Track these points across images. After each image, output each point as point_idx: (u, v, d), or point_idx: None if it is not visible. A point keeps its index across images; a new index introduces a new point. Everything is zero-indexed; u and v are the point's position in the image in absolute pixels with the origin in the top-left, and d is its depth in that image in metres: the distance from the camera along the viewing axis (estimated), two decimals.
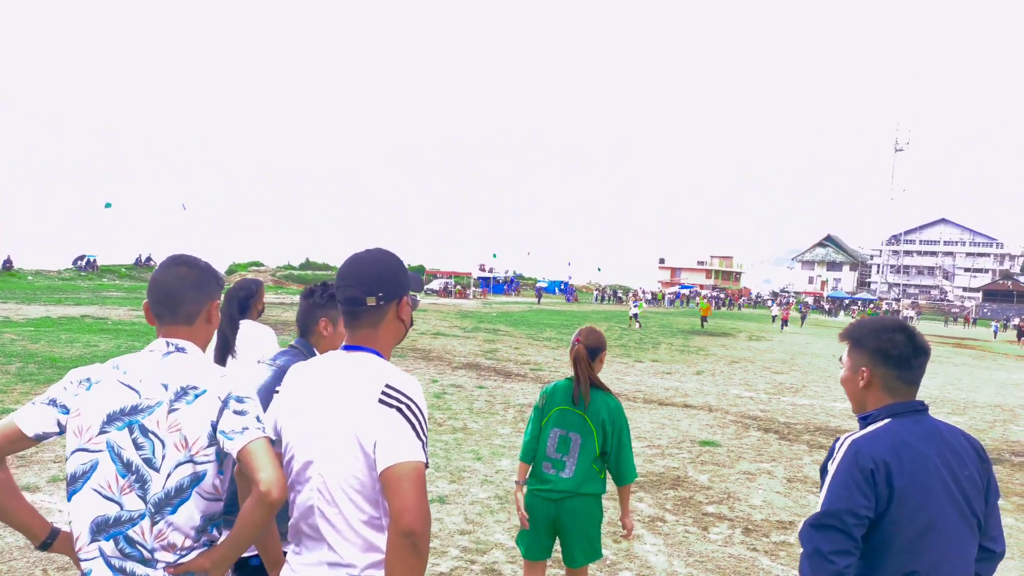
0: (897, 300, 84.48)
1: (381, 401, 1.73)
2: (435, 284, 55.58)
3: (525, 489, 3.49)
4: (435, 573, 4.49)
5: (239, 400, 1.84)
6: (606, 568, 4.72)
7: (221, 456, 1.84)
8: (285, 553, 1.93)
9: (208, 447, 1.82)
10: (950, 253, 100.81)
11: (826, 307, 78.00)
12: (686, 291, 77.08)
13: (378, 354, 1.88)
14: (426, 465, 1.74)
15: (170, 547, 1.80)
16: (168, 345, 1.92)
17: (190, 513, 1.81)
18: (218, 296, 2.05)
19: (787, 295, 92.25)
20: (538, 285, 59.88)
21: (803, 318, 44.21)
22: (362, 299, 1.86)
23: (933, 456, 1.84)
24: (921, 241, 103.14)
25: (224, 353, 3.50)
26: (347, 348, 1.89)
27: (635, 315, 31.00)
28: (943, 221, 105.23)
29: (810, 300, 61.91)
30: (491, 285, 63.16)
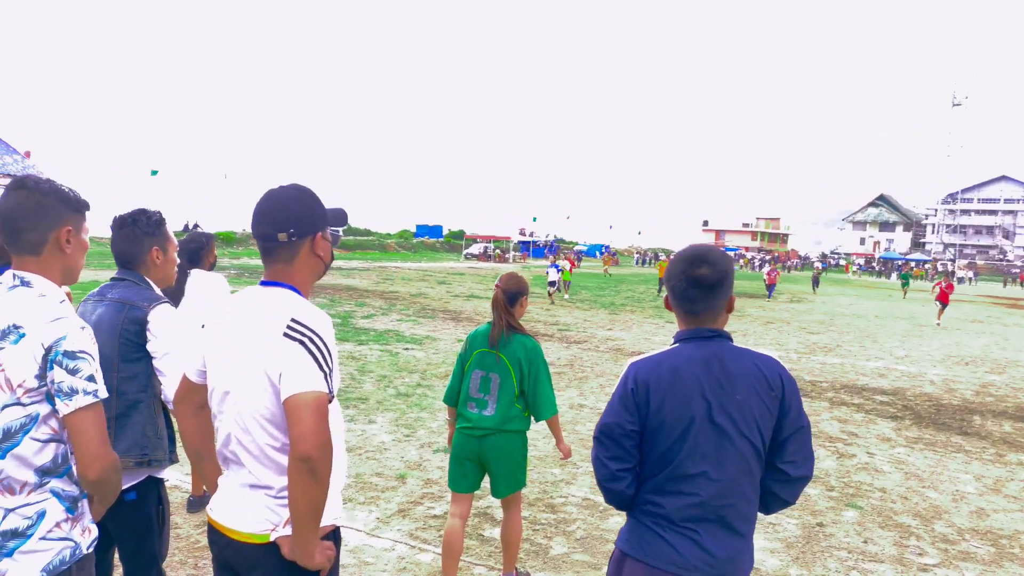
0: (952, 261, 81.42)
1: (286, 335, 1.79)
2: (474, 248, 55.77)
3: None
4: (430, 515, 4.63)
5: (70, 356, 1.75)
6: (552, 487, 4.80)
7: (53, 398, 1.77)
8: None
9: (38, 388, 1.75)
10: (1011, 212, 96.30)
11: (877, 268, 75.78)
12: (731, 253, 75.67)
13: (294, 289, 1.93)
14: (331, 397, 1.81)
15: (7, 490, 1.76)
16: (14, 278, 1.83)
17: (22, 458, 1.75)
18: (72, 221, 1.90)
19: (837, 256, 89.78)
20: (576, 249, 59.52)
21: (815, 283, 35.11)
22: (273, 235, 1.90)
23: (696, 379, 1.96)
24: (979, 199, 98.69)
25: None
26: (263, 284, 1.96)
27: (553, 283, 21.71)
28: (1004, 178, 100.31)
29: (819, 263, 56.67)
30: (531, 249, 63.07)
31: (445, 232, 67.49)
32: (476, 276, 32.60)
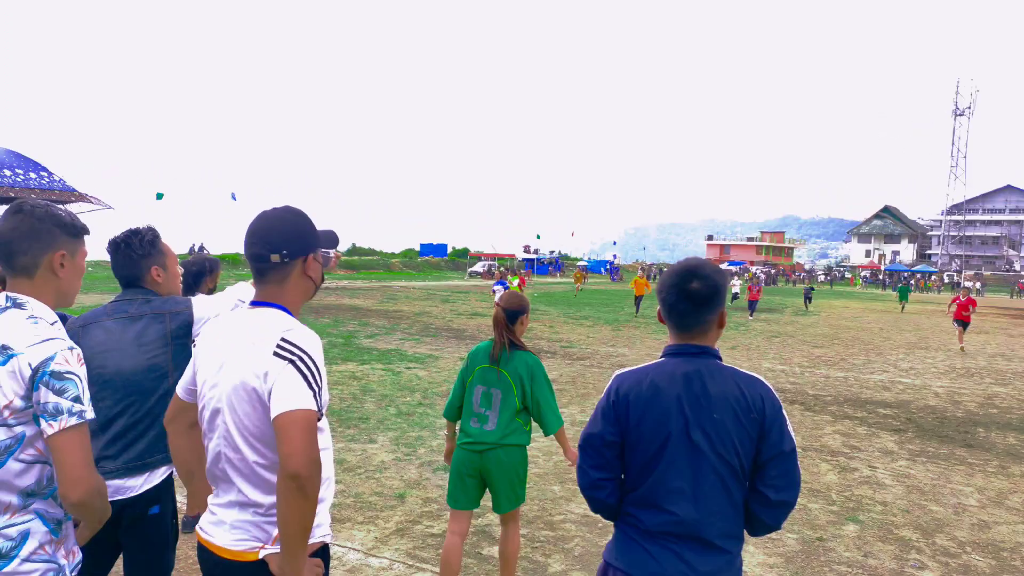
0: (959, 271, 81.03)
1: (276, 353, 1.83)
2: (478, 266, 55.86)
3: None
4: (428, 533, 4.64)
5: (57, 377, 1.75)
6: (551, 504, 4.79)
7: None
8: None
9: (24, 409, 1.75)
10: (1016, 222, 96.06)
11: (883, 280, 75.47)
12: (735, 268, 75.59)
13: (284, 309, 1.98)
14: (320, 415, 1.84)
15: None
16: (6, 300, 1.84)
17: (6, 479, 1.76)
18: (66, 246, 1.94)
19: (843, 269, 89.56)
20: (579, 264, 59.60)
21: (807, 298, 32.29)
22: (266, 256, 1.95)
23: (676, 394, 1.97)
24: (984, 209, 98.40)
25: None
26: (253, 304, 2.00)
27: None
28: (1008, 188, 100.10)
29: (807, 276, 55.38)
30: (535, 266, 63.09)
31: (449, 251, 67.60)
32: (480, 294, 32.63)
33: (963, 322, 17.90)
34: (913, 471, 6.67)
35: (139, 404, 2.54)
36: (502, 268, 23.62)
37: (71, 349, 1.83)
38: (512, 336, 3.65)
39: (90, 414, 1.81)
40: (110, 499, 2.47)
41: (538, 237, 70.34)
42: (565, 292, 36.42)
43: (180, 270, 2.87)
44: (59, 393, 1.75)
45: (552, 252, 73.26)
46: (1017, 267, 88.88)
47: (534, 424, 3.66)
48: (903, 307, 33.96)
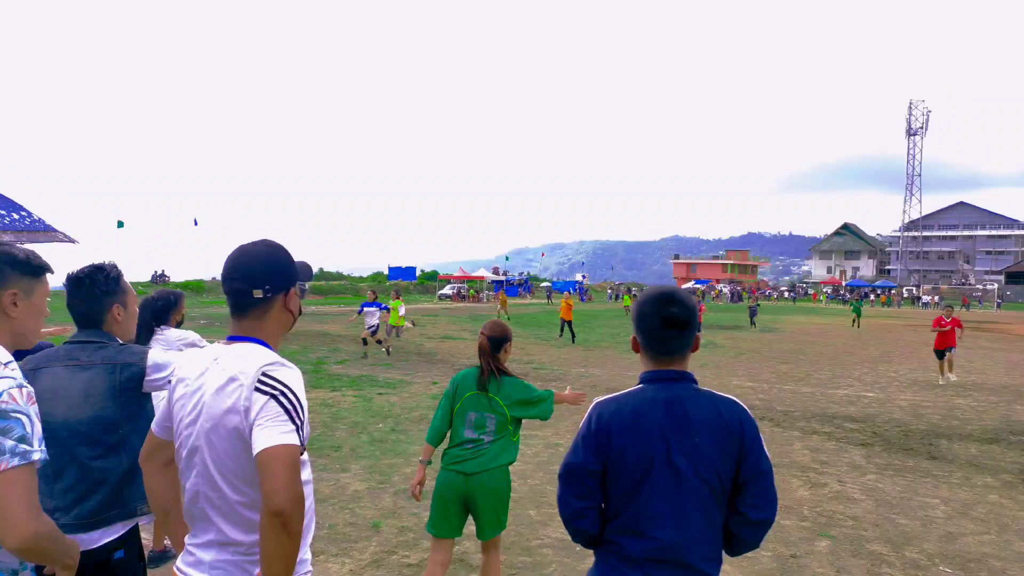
0: (917, 286, 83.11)
1: (257, 388, 1.81)
2: (448, 289, 55.74)
3: (429, 469, 3.79)
4: (405, 564, 4.59)
5: (2, 416, 1.70)
6: (527, 529, 4.79)
7: None
8: None
9: None
10: (970, 237, 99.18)
11: (844, 296, 77.06)
12: (701, 286, 76.58)
13: (263, 343, 1.96)
14: (303, 450, 1.83)
15: None
16: None
17: None
18: (20, 285, 1.93)
19: (805, 285, 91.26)
20: (543, 284, 59.90)
21: (752, 313, 31.37)
22: (248, 291, 1.94)
23: (657, 421, 2.00)
24: (940, 225, 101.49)
25: None
26: (231, 339, 1.98)
27: (372, 328, 16.26)
28: (961, 204, 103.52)
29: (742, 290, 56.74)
30: (504, 288, 63.22)
31: (418, 273, 67.39)
32: (451, 316, 32.55)
33: (948, 348, 14.54)
34: (881, 484, 6.80)
35: (87, 456, 2.45)
36: (372, 290, 20.04)
37: (20, 387, 1.76)
38: (497, 363, 3.71)
39: (38, 455, 1.74)
40: None
41: (507, 259, 70.66)
42: (535, 313, 36.53)
43: (137, 311, 2.81)
44: (3, 433, 1.68)
45: (521, 274, 73.51)
46: (972, 280, 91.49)
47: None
48: (856, 323, 32.69)
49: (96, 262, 2.66)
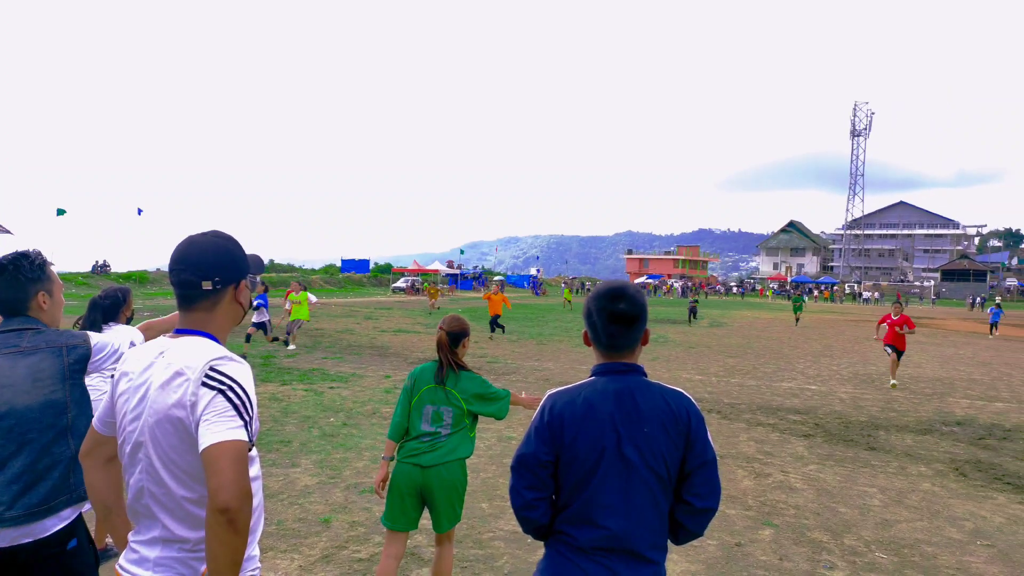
0: (859, 283, 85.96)
1: (204, 383, 1.78)
2: (401, 283, 55.34)
3: (392, 465, 3.73)
4: (356, 559, 4.56)
5: None
6: (479, 522, 4.83)
7: None
8: None
9: None
10: (909, 235, 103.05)
11: (790, 292, 79.24)
12: (652, 281, 77.75)
13: (211, 337, 1.93)
14: (251, 446, 1.81)
15: None
16: None
17: None
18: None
19: (753, 281, 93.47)
20: (497, 278, 60.05)
21: (692, 312, 30.71)
22: (197, 283, 1.90)
23: (609, 412, 2.05)
24: (881, 224, 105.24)
25: None
26: (178, 332, 1.94)
27: (260, 325, 15.31)
28: (901, 204, 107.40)
29: (687, 287, 58.12)
30: (459, 282, 63.06)
31: (372, 266, 66.74)
32: (404, 310, 32.33)
33: (898, 349, 13.59)
34: (822, 474, 7.03)
35: (36, 443, 2.41)
36: (264, 284, 17.58)
37: None
38: (455, 358, 3.74)
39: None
40: (18, 543, 2.34)
41: (462, 252, 70.46)
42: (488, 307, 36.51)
43: (63, 300, 2.75)
44: None
45: (475, 268, 73.41)
46: (910, 278, 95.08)
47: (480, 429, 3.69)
48: (798, 319, 31.72)
49: (21, 249, 2.61)
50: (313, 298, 17.21)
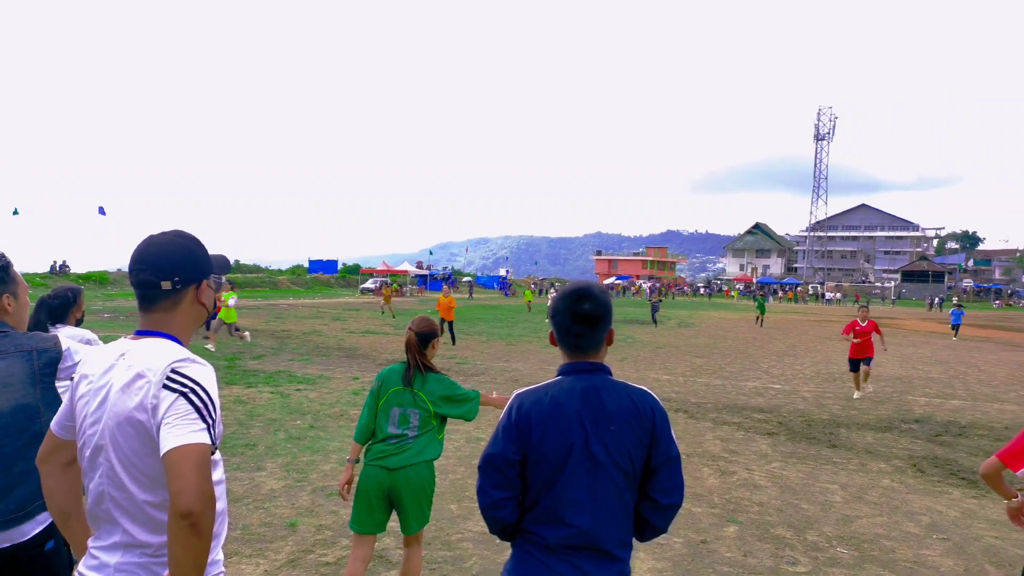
0: (822, 284, 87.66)
1: (166, 386, 1.75)
2: (370, 283, 54.95)
3: (359, 468, 3.70)
4: (322, 563, 4.52)
5: None
6: (448, 523, 4.84)
7: None
8: None
9: None
10: (871, 237, 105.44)
11: (755, 292, 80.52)
12: (621, 282, 78.35)
13: (173, 338, 1.90)
14: (214, 449, 1.79)
15: None
16: None
17: None
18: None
19: (720, 282, 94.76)
20: (466, 279, 60.01)
21: (654, 310, 30.40)
22: (156, 283, 1.87)
23: (576, 410, 2.07)
24: (843, 226, 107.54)
25: None
26: (139, 333, 1.91)
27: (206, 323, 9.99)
28: (863, 207, 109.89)
29: (654, 289, 58.62)
30: (427, 282, 62.83)
31: (340, 267, 66.14)
32: (373, 311, 32.11)
33: (865, 358, 12.26)
34: (785, 472, 7.16)
35: (9, 449, 2.36)
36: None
37: None
38: (424, 359, 3.72)
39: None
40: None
41: (431, 253, 70.25)
42: (459, 308, 36.40)
43: (28, 301, 2.70)
44: None
45: (445, 268, 73.25)
46: (871, 279, 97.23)
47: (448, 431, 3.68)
48: (761, 320, 31.79)
49: None
50: (232, 301, 16.98)
